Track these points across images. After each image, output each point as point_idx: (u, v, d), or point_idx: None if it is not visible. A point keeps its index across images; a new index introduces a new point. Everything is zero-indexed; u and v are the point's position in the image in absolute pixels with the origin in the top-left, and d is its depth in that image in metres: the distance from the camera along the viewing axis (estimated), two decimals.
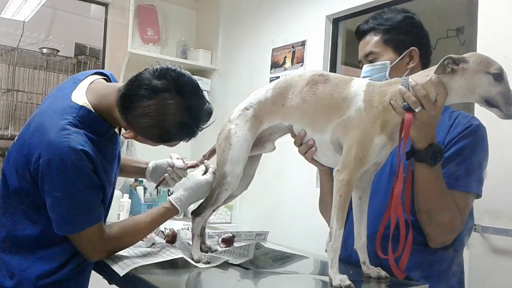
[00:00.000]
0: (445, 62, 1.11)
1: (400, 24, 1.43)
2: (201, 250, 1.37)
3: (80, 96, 1.30)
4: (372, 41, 1.44)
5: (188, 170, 1.53)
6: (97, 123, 1.29)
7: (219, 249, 1.48)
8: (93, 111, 1.28)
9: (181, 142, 1.34)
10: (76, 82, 1.35)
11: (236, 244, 1.55)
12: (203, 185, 1.38)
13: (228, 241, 1.57)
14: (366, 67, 1.43)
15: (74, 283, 1.34)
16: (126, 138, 1.30)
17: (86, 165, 1.21)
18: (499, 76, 1.09)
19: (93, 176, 1.24)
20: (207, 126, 1.32)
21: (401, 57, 1.41)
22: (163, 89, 1.21)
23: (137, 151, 3.40)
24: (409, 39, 1.42)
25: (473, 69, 1.10)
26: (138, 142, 1.34)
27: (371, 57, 1.43)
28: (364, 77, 1.41)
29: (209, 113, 1.31)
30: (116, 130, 1.38)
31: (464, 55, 1.12)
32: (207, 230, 1.52)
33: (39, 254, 1.28)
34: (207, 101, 1.30)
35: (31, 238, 1.28)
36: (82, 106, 1.28)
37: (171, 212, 1.36)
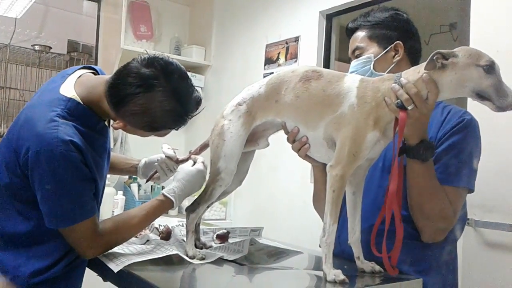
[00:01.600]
0: (434, 58, 1.11)
1: (385, 20, 1.47)
2: (196, 247, 1.37)
3: (69, 89, 1.29)
4: (359, 37, 1.49)
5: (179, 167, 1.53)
6: (86, 115, 1.28)
7: (214, 245, 1.48)
8: (82, 103, 1.28)
9: (172, 131, 1.33)
10: (65, 76, 1.34)
11: (230, 240, 1.56)
12: (195, 174, 1.38)
13: (222, 237, 1.57)
14: (352, 63, 1.48)
15: (68, 280, 1.34)
16: (115, 128, 1.29)
17: (76, 156, 1.20)
18: (489, 68, 1.08)
19: (83, 168, 1.23)
20: (196, 114, 1.32)
21: (385, 51, 1.44)
22: (151, 77, 1.21)
23: (131, 148, 3.39)
24: (394, 33, 1.45)
25: (463, 63, 1.10)
26: (128, 133, 1.34)
27: (357, 52, 1.48)
28: (351, 72, 1.44)
29: (198, 101, 1.31)
30: (106, 123, 1.37)
31: (454, 50, 1.12)
32: (201, 227, 1.52)
33: (32, 251, 1.27)
34: (196, 90, 1.31)
35: (23, 235, 1.27)
36: (70, 98, 1.27)
37: (165, 204, 1.36)
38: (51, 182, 1.20)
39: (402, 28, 1.46)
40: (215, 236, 1.57)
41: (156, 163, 1.59)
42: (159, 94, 1.21)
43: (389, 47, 1.44)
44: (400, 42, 1.44)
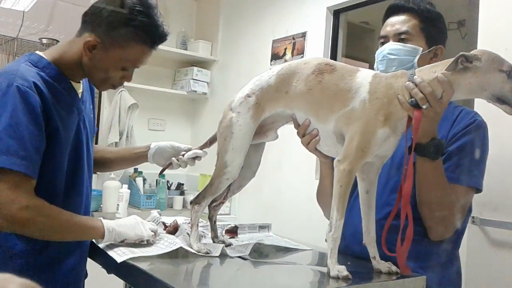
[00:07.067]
0: (459, 60, 1.11)
1: (437, 18, 1.44)
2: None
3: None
4: (410, 22, 1.42)
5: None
6: (49, 68, 1.28)
7: (234, 242, 1.45)
8: (45, 58, 1.29)
9: (144, 52, 1.33)
10: None
11: (240, 236, 1.56)
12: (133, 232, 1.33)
13: (231, 232, 1.56)
14: (394, 45, 1.41)
15: (69, 261, 1.33)
16: (87, 48, 1.28)
17: (34, 97, 1.18)
18: (511, 74, 1.10)
19: (39, 114, 1.19)
20: (164, 29, 1.34)
21: (430, 49, 1.41)
22: None
23: (136, 142, 3.41)
24: (439, 36, 1.43)
25: (486, 67, 1.11)
26: (97, 66, 1.31)
27: (404, 36, 1.41)
28: (389, 53, 1.40)
29: (164, 31, 1.34)
30: (79, 93, 1.36)
31: (475, 53, 1.12)
32: (205, 222, 1.52)
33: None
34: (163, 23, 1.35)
35: None
36: (33, 53, 1.29)
37: (97, 230, 1.28)
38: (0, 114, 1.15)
39: (444, 33, 1.46)
40: (224, 231, 1.57)
41: (169, 155, 1.57)
42: (129, 2, 1.27)
43: (434, 47, 1.42)
44: (442, 47, 1.43)
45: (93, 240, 1.36)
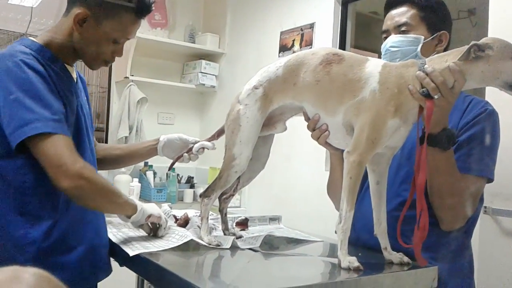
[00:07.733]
0: (471, 50, 1.10)
1: (437, 5, 1.42)
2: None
3: None
4: (409, 13, 1.41)
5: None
6: (43, 50, 1.29)
7: (245, 234, 1.46)
8: (37, 42, 1.30)
9: (132, 22, 1.32)
10: None
11: (250, 228, 1.57)
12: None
13: (242, 224, 1.57)
14: (396, 37, 1.40)
15: (83, 249, 1.32)
16: (77, 22, 1.28)
17: (39, 67, 1.20)
18: None
19: (50, 81, 1.21)
20: (146, 15, 1.35)
21: (433, 36, 1.39)
22: None
23: (146, 136, 3.42)
24: (441, 22, 1.41)
25: (498, 56, 1.09)
26: (89, 38, 1.31)
27: (404, 28, 1.40)
28: (391, 46, 1.39)
29: (150, 0, 1.33)
30: (74, 78, 1.37)
31: (487, 41, 1.11)
32: (216, 215, 1.53)
33: (27, 211, 1.23)
34: None
35: (13, 194, 1.23)
36: (25, 38, 1.30)
37: (133, 208, 1.31)
38: (13, 88, 1.16)
39: (448, 19, 1.44)
40: (234, 223, 1.57)
41: (179, 148, 1.57)
42: None
43: (437, 34, 1.40)
44: (446, 33, 1.41)
45: (112, 234, 1.37)
